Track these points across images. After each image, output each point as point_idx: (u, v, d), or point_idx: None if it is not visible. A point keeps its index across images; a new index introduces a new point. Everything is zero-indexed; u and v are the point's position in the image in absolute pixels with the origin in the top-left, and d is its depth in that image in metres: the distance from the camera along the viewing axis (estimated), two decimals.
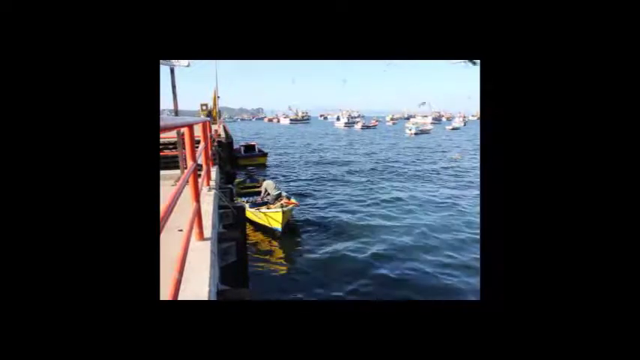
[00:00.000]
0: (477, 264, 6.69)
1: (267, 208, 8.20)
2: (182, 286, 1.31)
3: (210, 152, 4.82)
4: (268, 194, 9.13)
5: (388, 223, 9.06)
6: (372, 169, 17.59)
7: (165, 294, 1.17)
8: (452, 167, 17.87)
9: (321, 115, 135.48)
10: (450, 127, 61.44)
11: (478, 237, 7.95)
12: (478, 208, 8.52)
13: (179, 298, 1.28)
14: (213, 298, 1.96)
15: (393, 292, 5.73)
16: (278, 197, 9.04)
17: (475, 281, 5.96)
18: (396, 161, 19.93)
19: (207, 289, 1.77)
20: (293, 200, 9.03)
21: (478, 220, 9.13)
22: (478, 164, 18.07)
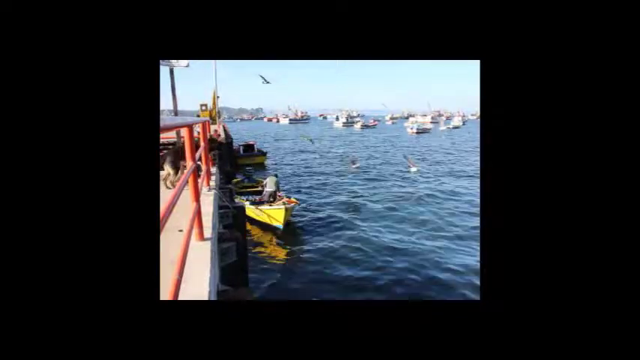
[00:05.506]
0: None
1: (269, 206, 8.18)
2: (182, 287, 1.30)
3: (209, 152, 4.82)
4: (266, 188, 9.00)
5: (390, 223, 9.08)
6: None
7: (165, 294, 1.17)
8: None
9: (320, 115, 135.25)
10: (451, 126, 61.52)
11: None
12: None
13: (179, 299, 1.28)
14: (214, 298, 1.96)
15: (393, 292, 5.74)
16: (273, 195, 8.87)
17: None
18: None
19: (207, 289, 1.76)
20: (294, 199, 9.02)
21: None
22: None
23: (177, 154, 4.19)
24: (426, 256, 6.99)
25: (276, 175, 9.75)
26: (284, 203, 8.11)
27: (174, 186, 4.09)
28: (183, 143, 5.31)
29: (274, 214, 7.93)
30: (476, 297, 5.38)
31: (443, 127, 59.37)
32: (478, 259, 6.80)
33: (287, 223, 8.15)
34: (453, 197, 11.60)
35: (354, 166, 16.43)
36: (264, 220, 8.18)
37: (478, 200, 9.87)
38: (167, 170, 4.12)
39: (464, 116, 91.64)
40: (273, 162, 19.98)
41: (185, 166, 4.13)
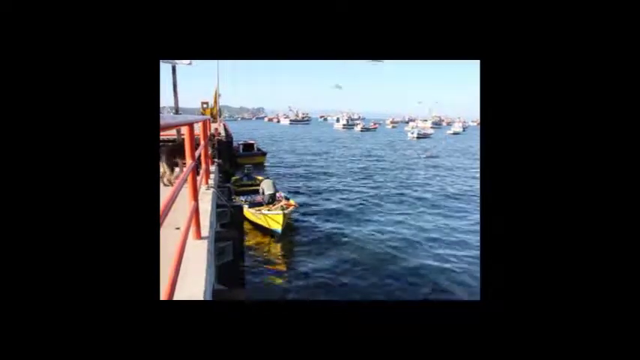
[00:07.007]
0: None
1: (268, 210, 8.13)
2: (178, 285, 1.30)
3: (209, 151, 4.82)
4: (264, 193, 9.03)
5: (389, 223, 9.08)
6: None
7: (162, 293, 1.16)
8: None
9: (321, 117, 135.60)
10: (451, 132, 61.78)
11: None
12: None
13: (175, 297, 1.27)
14: (209, 297, 1.95)
15: (392, 291, 5.73)
16: (273, 197, 8.89)
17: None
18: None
19: (203, 288, 1.76)
20: (292, 202, 8.98)
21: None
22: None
23: (172, 152, 4.15)
24: (427, 258, 7.00)
25: (267, 177, 9.82)
26: (282, 208, 8.03)
27: (171, 184, 4.08)
28: (179, 140, 5.31)
29: (273, 218, 7.87)
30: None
31: (449, 131, 60.30)
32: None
33: (285, 227, 8.11)
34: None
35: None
36: (262, 224, 8.13)
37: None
38: (162, 168, 4.10)
39: (464, 122, 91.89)
40: (273, 164, 19.88)
41: (183, 163, 4.13)
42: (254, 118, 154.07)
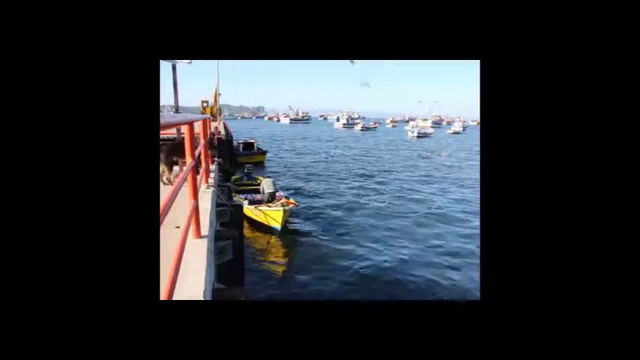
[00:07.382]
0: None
1: (268, 207, 8.15)
2: (178, 285, 1.30)
3: (209, 150, 4.81)
4: (264, 192, 9.07)
5: (387, 222, 9.09)
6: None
7: (162, 292, 1.16)
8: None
9: (321, 116, 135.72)
10: (451, 131, 61.88)
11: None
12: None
13: (175, 297, 1.27)
14: (209, 296, 1.95)
15: (391, 291, 5.74)
16: (272, 195, 8.96)
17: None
18: None
19: (202, 287, 1.76)
20: (292, 200, 9.00)
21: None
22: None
23: (170, 151, 4.14)
24: (427, 257, 7.00)
25: (267, 176, 9.92)
26: (282, 205, 8.06)
27: (170, 182, 4.07)
28: (178, 139, 5.29)
29: (272, 215, 7.88)
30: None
31: (449, 131, 60.71)
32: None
33: (285, 225, 8.12)
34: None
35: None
36: (262, 221, 8.14)
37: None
38: (161, 167, 4.08)
39: (464, 122, 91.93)
40: (273, 163, 19.88)
41: (183, 162, 4.13)
42: (254, 117, 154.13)
